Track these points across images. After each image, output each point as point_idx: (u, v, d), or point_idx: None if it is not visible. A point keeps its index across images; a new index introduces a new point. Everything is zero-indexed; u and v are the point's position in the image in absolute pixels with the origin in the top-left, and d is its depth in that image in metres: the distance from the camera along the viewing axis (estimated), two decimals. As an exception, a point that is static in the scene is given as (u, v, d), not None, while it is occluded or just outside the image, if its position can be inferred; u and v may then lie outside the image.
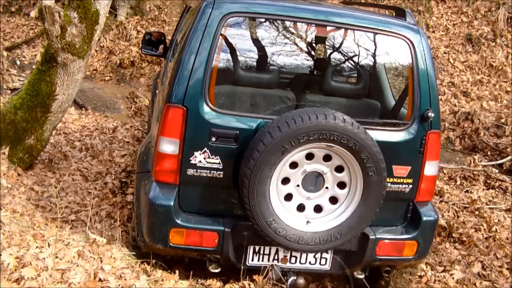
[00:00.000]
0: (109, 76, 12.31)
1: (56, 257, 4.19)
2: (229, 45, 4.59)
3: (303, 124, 3.95)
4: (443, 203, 7.14)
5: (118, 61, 12.42)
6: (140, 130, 9.44)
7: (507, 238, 6.49)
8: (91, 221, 5.47)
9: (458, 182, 8.24)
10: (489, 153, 9.79)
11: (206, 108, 4.25)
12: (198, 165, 4.28)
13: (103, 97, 11.55)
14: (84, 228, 5.08)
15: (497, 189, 8.17)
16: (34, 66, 12.42)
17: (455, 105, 11.15)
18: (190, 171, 4.30)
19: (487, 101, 11.35)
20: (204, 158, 4.28)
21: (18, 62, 12.90)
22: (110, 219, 5.84)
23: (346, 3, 6.98)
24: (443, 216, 6.75)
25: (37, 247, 4.31)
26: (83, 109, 10.79)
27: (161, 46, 6.40)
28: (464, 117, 10.49)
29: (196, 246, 4.40)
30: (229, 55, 4.63)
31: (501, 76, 12.01)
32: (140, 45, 7.37)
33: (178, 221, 4.33)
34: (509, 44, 12.27)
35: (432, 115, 4.45)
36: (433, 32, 12.57)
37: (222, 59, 4.54)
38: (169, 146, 4.28)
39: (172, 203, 4.31)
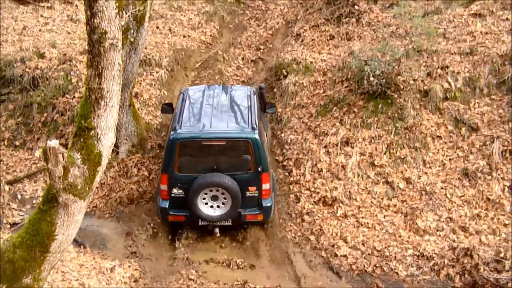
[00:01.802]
0: (109, 213, 12.35)
1: None
2: (183, 154, 11.05)
3: (205, 182, 10.70)
4: None
5: (118, 199, 12.56)
6: (139, 270, 9.45)
7: None
8: None
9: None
10: (490, 289, 9.70)
11: (175, 173, 10.89)
12: (175, 192, 10.99)
13: (102, 235, 11.59)
14: None
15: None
16: (34, 201, 12.52)
17: (454, 241, 11.13)
18: (172, 194, 10.99)
19: (486, 235, 11.33)
20: (177, 190, 10.98)
21: (19, 196, 12.97)
22: None
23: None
24: None
25: None
26: (81, 246, 10.78)
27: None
28: (463, 252, 10.46)
29: (177, 220, 11.33)
30: (182, 158, 11.02)
31: (498, 209, 12.02)
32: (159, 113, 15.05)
33: (170, 213, 11.14)
34: (505, 177, 12.34)
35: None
36: (430, 167, 12.69)
37: (179, 160, 10.95)
38: (164, 187, 11.03)
39: (167, 206, 11.11)
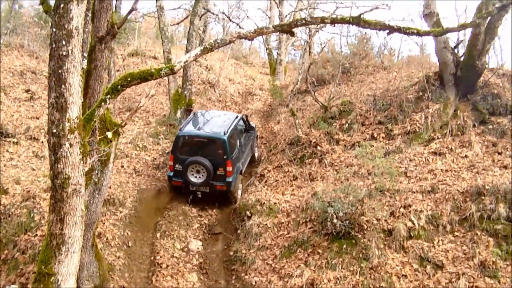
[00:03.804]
0: None
1: None
2: (182, 144, 18.16)
3: (192, 160, 17.51)
4: None
5: None
6: None
7: None
8: None
9: None
10: None
11: (177, 155, 17.87)
12: (177, 167, 17.87)
13: None
14: None
15: None
16: None
17: None
18: (176, 168, 17.89)
19: None
20: (178, 166, 17.82)
21: None
22: None
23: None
24: None
25: None
26: None
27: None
28: None
29: (177, 184, 18.09)
30: (182, 147, 18.06)
31: None
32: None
33: (173, 179, 18.06)
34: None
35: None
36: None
37: (180, 147, 18.02)
38: (171, 163, 18.07)
39: (172, 175, 18.06)
